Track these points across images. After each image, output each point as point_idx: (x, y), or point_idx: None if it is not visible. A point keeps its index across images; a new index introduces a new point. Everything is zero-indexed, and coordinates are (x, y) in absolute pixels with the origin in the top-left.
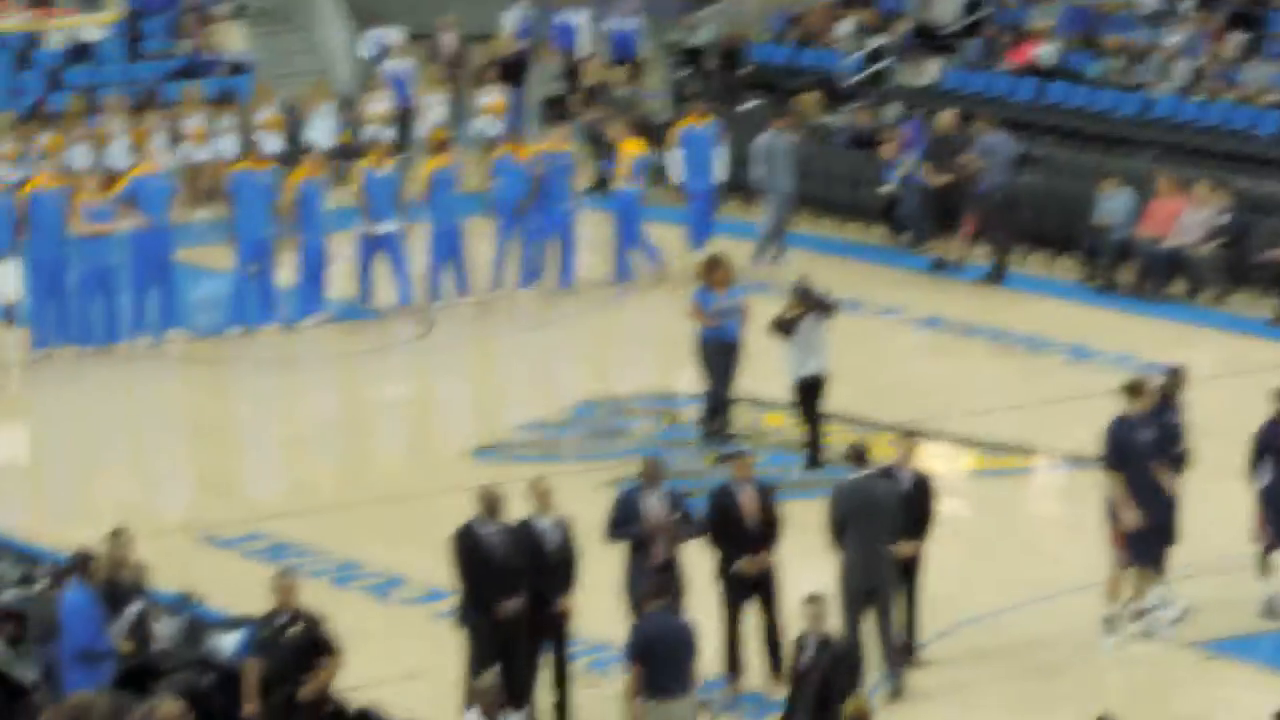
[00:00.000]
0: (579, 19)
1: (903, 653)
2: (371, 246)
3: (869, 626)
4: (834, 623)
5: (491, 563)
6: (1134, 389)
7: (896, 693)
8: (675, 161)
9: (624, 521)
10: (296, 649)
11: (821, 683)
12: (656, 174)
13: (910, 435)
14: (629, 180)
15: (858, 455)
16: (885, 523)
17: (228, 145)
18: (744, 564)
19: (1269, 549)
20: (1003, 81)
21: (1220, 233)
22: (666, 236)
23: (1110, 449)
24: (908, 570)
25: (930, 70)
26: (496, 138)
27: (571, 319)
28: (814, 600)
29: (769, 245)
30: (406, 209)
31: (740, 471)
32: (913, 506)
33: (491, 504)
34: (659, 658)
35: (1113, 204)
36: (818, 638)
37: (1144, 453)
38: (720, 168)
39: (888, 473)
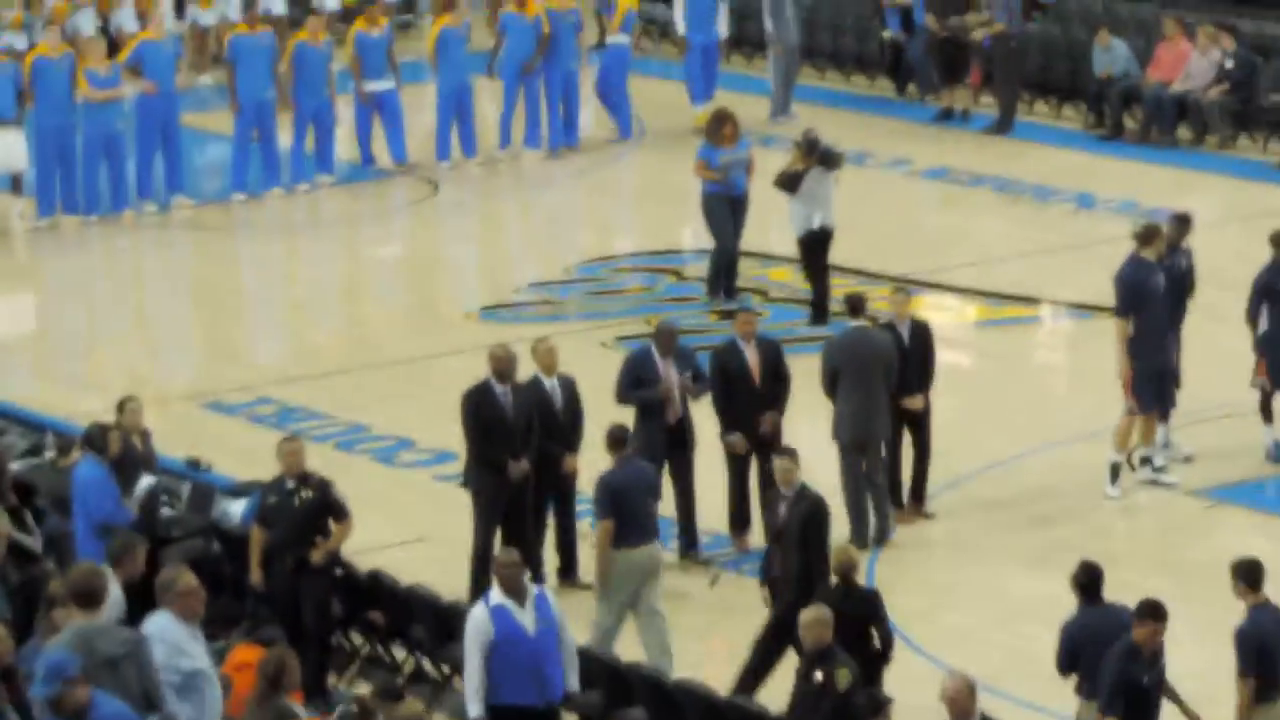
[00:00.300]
0: None
1: (915, 504)
2: (367, 107)
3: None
4: (820, 475)
5: (504, 423)
6: (1147, 235)
7: (881, 540)
8: (678, 14)
9: (635, 384)
10: (307, 513)
11: (801, 537)
12: (664, 29)
13: (903, 288)
14: (618, 34)
15: (854, 306)
16: (879, 373)
17: (233, 9)
18: (767, 424)
19: (1269, 394)
20: None
21: (1226, 77)
22: (669, 92)
23: (1122, 294)
24: (917, 423)
25: None
26: None
27: (577, 178)
28: (785, 454)
29: (780, 98)
30: (399, 69)
31: (743, 328)
32: (913, 359)
33: (504, 365)
34: (629, 505)
35: (1109, 55)
36: (793, 491)
37: (1156, 298)
38: (723, 22)
39: (889, 326)
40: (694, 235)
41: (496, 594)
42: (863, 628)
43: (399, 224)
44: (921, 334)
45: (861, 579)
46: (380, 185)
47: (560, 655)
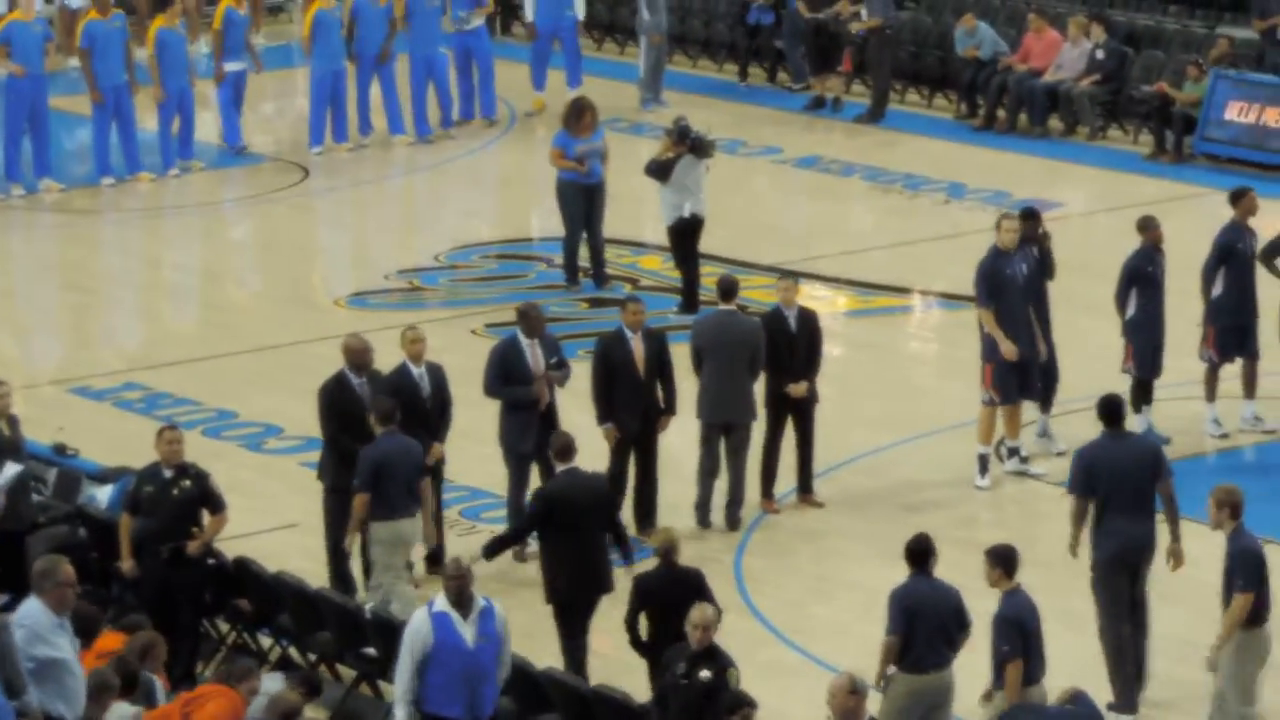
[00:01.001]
0: None
1: (803, 493)
2: (227, 87)
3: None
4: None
5: (360, 415)
6: (998, 225)
7: (733, 525)
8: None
9: (503, 377)
10: (184, 504)
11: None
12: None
13: (791, 275)
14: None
15: (724, 290)
16: (743, 358)
17: None
18: (662, 423)
19: (1138, 381)
20: None
21: (1097, 68)
22: (519, 77)
23: (981, 284)
24: (802, 411)
25: None
26: None
27: (447, 164)
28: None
29: (650, 87)
30: (256, 52)
31: (631, 318)
32: (799, 346)
33: (359, 356)
34: (391, 479)
35: (974, 39)
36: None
37: (1013, 288)
38: (579, 4)
39: (775, 313)
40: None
41: (441, 601)
42: (687, 609)
43: (268, 209)
44: (808, 322)
45: (729, 570)
46: (250, 171)
47: (497, 673)
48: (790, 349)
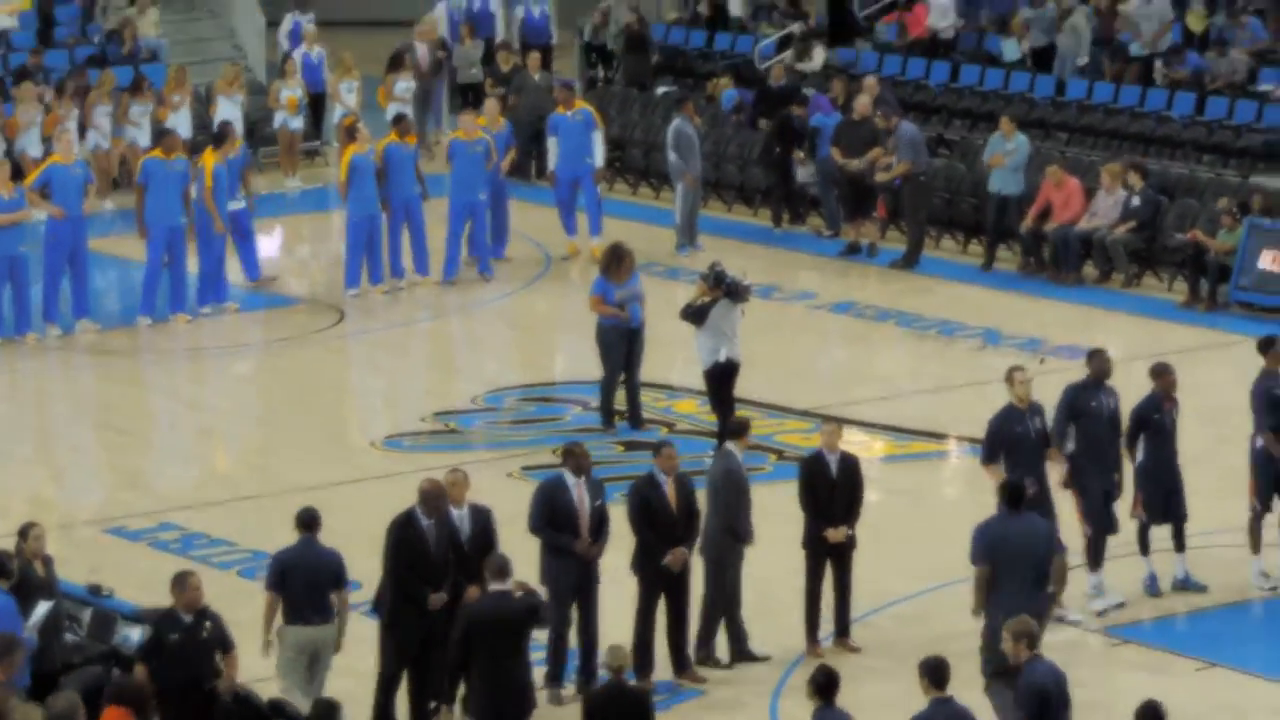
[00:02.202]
0: (494, 4)
1: (841, 638)
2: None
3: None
4: None
5: (427, 556)
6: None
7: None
8: (550, 148)
9: (547, 515)
10: (209, 647)
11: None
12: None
13: (834, 420)
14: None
15: (734, 430)
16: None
17: (140, 133)
18: (671, 559)
19: (1146, 527)
20: (917, 65)
21: (1132, 215)
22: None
23: (987, 440)
24: (840, 556)
25: (818, 58)
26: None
27: (480, 307)
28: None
29: (686, 232)
30: (252, 192)
31: (666, 463)
32: (841, 492)
33: (433, 498)
34: (297, 585)
35: (1009, 145)
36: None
37: (1025, 444)
38: (598, 153)
39: (818, 458)
40: (596, 365)
41: None
42: None
43: (303, 352)
44: (850, 467)
45: (764, 711)
46: (285, 313)
47: None
48: (831, 493)
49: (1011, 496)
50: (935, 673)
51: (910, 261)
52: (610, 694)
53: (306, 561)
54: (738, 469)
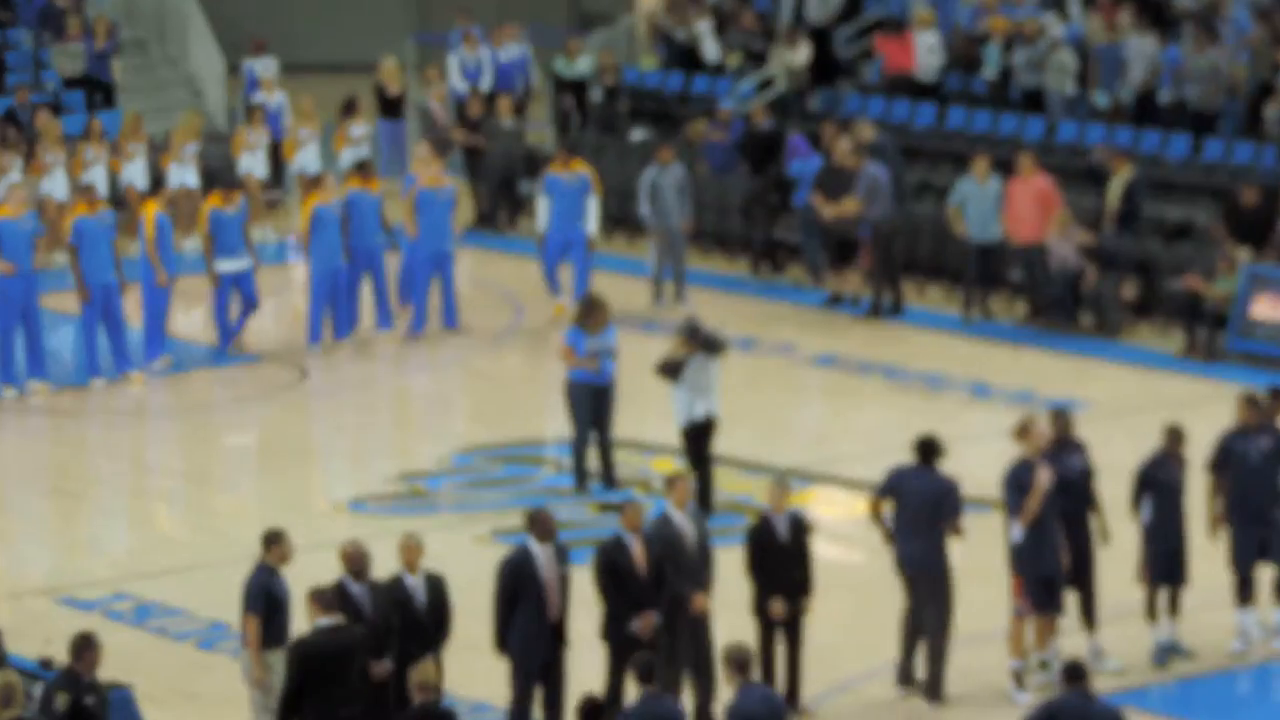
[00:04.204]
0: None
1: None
2: (225, 287)
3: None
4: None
5: (361, 623)
6: (1021, 431)
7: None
8: (541, 208)
9: (514, 589)
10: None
11: None
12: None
13: (781, 478)
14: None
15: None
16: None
17: (97, 180)
18: (639, 625)
19: (1153, 589)
20: (901, 107)
21: (1126, 262)
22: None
23: (1009, 493)
24: (791, 627)
25: (803, 51)
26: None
27: (449, 364)
28: None
29: (668, 285)
30: (254, 248)
31: (629, 521)
32: (791, 556)
33: (358, 562)
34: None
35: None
36: None
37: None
38: (592, 220)
39: (764, 520)
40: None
41: None
42: None
43: (264, 411)
44: (800, 529)
45: None
46: (246, 370)
47: None
48: (780, 559)
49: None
50: (740, 660)
51: (876, 312)
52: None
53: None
54: (672, 531)
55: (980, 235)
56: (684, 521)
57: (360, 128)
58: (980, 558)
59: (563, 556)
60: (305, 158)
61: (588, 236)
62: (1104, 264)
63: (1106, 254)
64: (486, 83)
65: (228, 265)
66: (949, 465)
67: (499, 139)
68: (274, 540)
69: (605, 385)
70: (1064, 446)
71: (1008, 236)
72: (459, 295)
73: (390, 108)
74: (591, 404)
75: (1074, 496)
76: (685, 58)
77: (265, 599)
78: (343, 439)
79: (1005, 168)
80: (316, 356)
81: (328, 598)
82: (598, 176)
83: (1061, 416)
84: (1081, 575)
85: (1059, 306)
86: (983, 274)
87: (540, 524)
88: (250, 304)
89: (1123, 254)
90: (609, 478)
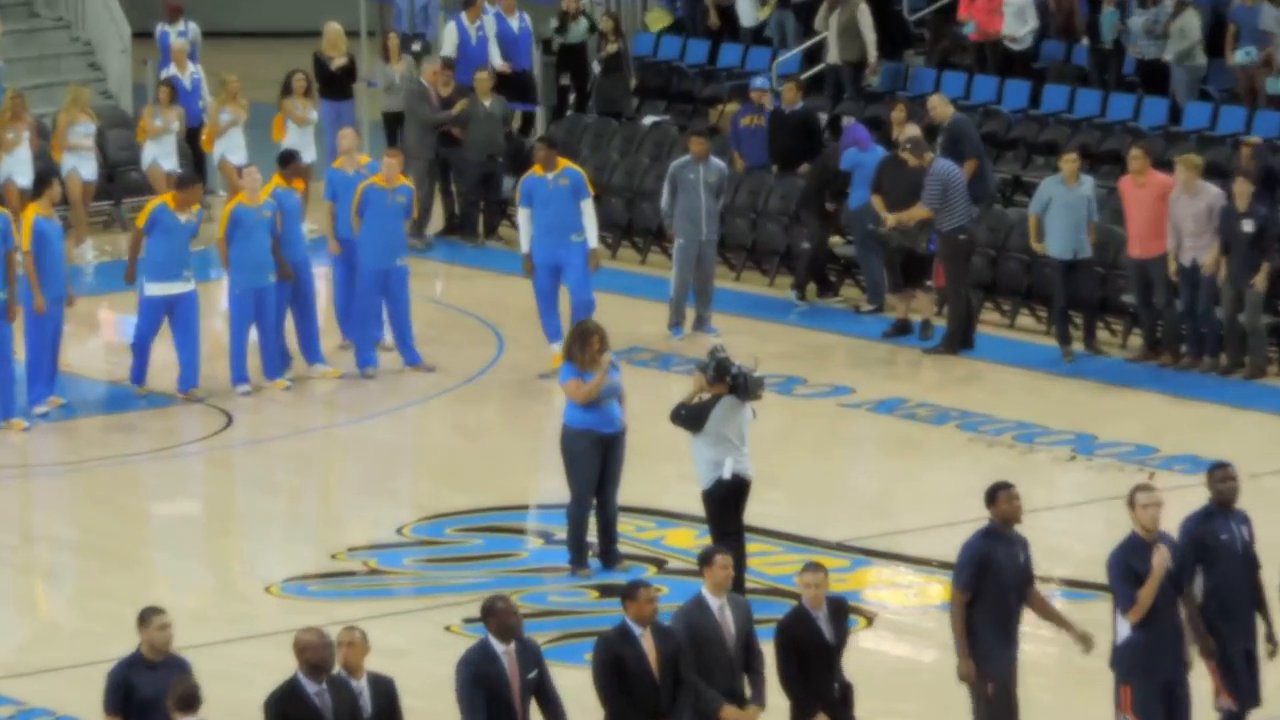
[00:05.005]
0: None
1: None
2: (154, 314)
3: None
4: None
5: None
6: (1135, 499)
7: None
8: (522, 223)
9: (474, 697)
10: None
11: None
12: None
13: (816, 565)
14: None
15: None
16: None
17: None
18: None
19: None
20: (985, 85)
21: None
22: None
23: (1117, 579)
24: None
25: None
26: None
27: (409, 408)
28: None
29: (690, 309)
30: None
31: (638, 610)
32: (836, 658)
33: (318, 655)
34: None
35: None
36: None
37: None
38: (590, 230)
39: (801, 614)
40: (562, 485)
41: None
42: None
43: (180, 466)
44: (844, 626)
45: None
46: (157, 416)
47: None
48: (823, 661)
49: None
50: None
51: (951, 345)
52: None
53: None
54: (709, 621)
55: (1063, 250)
56: (723, 610)
57: (307, 110)
58: (1080, 658)
59: (533, 660)
60: (227, 147)
61: (587, 251)
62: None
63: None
64: (497, 58)
65: (162, 288)
66: (1038, 539)
67: (478, 125)
68: (144, 619)
69: (613, 435)
70: (1215, 515)
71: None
72: (416, 323)
73: (334, 84)
74: (595, 459)
75: (1229, 580)
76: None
77: (122, 698)
78: (274, 502)
79: (1116, 163)
80: (242, 398)
81: (187, 696)
82: (590, 177)
83: (1222, 475)
84: (1239, 688)
85: (1185, 339)
86: (1076, 298)
87: (496, 618)
88: (187, 338)
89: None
90: (612, 553)
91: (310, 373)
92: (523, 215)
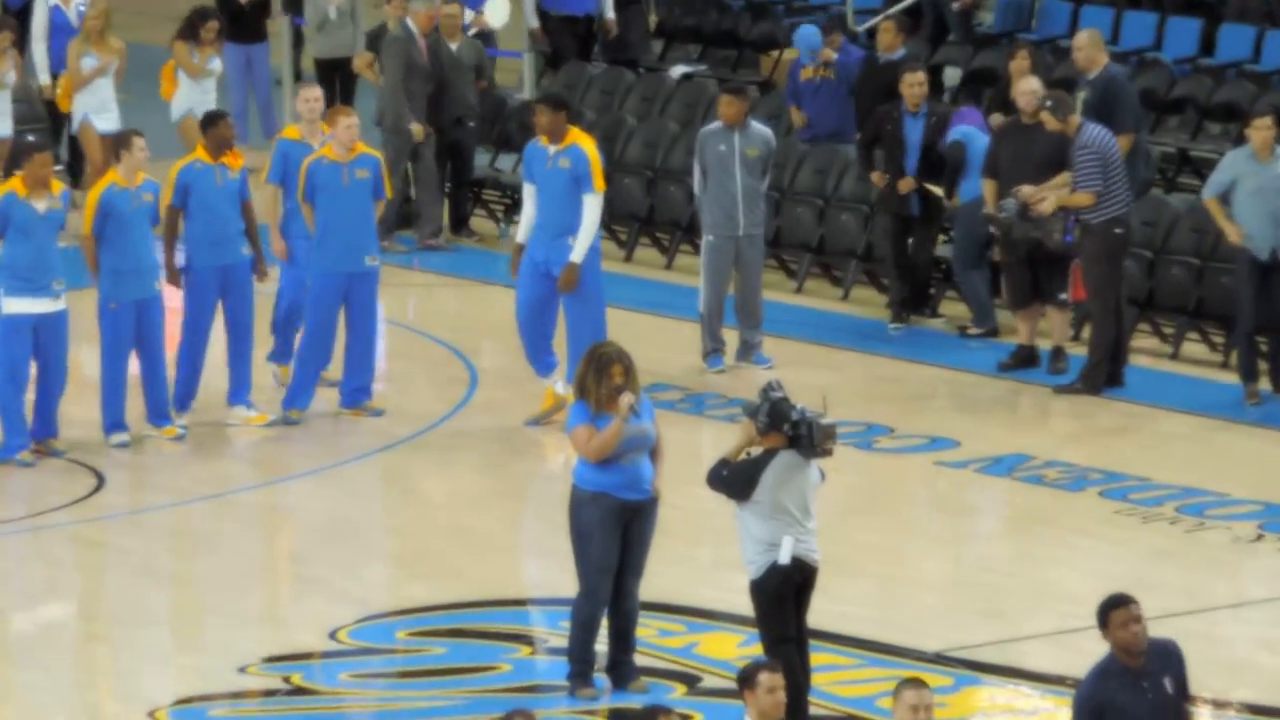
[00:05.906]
0: None
1: None
2: (17, 337)
3: None
4: None
5: None
6: None
7: None
8: (526, 204)
9: None
10: None
11: None
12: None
13: (917, 681)
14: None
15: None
16: None
17: None
18: None
19: None
20: (1139, 25)
21: None
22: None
23: None
24: None
25: None
26: None
27: (347, 465)
28: None
29: (732, 331)
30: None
31: None
32: None
33: None
34: None
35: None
36: None
37: None
38: (585, 237)
39: None
40: (561, 571)
41: None
42: None
43: (34, 543)
44: None
45: None
46: (6, 476)
47: None
48: None
49: None
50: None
51: (1094, 382)
52: None
53: None
54: None
55: (1261, 245)
56: None
57: (206, 57)
58: None
59: None
60: (91, 104)
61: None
62: None
63: None
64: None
65: (25, 304)
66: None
67: (443, 73)
68: None
69: (639, 504)
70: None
71: None
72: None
73: (243, 23)
74: (613, 536)
75: None
76: None
77: None
78: (165, 595)
79: None
80: (117, 451)
81: None
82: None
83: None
84: None
85: None
86: (1268, 317)
87: None
88: (53, 369)
89: None
90: (626, 666)
91: (228, 416)
92: (527, 193)
